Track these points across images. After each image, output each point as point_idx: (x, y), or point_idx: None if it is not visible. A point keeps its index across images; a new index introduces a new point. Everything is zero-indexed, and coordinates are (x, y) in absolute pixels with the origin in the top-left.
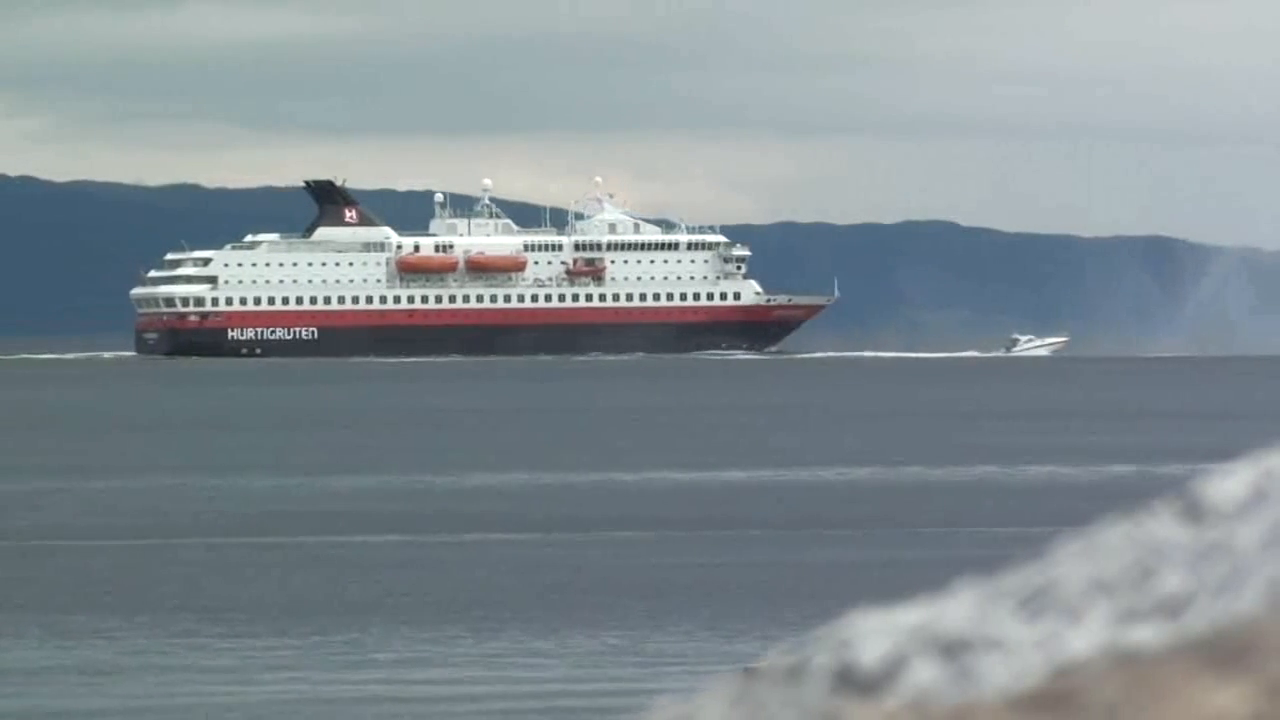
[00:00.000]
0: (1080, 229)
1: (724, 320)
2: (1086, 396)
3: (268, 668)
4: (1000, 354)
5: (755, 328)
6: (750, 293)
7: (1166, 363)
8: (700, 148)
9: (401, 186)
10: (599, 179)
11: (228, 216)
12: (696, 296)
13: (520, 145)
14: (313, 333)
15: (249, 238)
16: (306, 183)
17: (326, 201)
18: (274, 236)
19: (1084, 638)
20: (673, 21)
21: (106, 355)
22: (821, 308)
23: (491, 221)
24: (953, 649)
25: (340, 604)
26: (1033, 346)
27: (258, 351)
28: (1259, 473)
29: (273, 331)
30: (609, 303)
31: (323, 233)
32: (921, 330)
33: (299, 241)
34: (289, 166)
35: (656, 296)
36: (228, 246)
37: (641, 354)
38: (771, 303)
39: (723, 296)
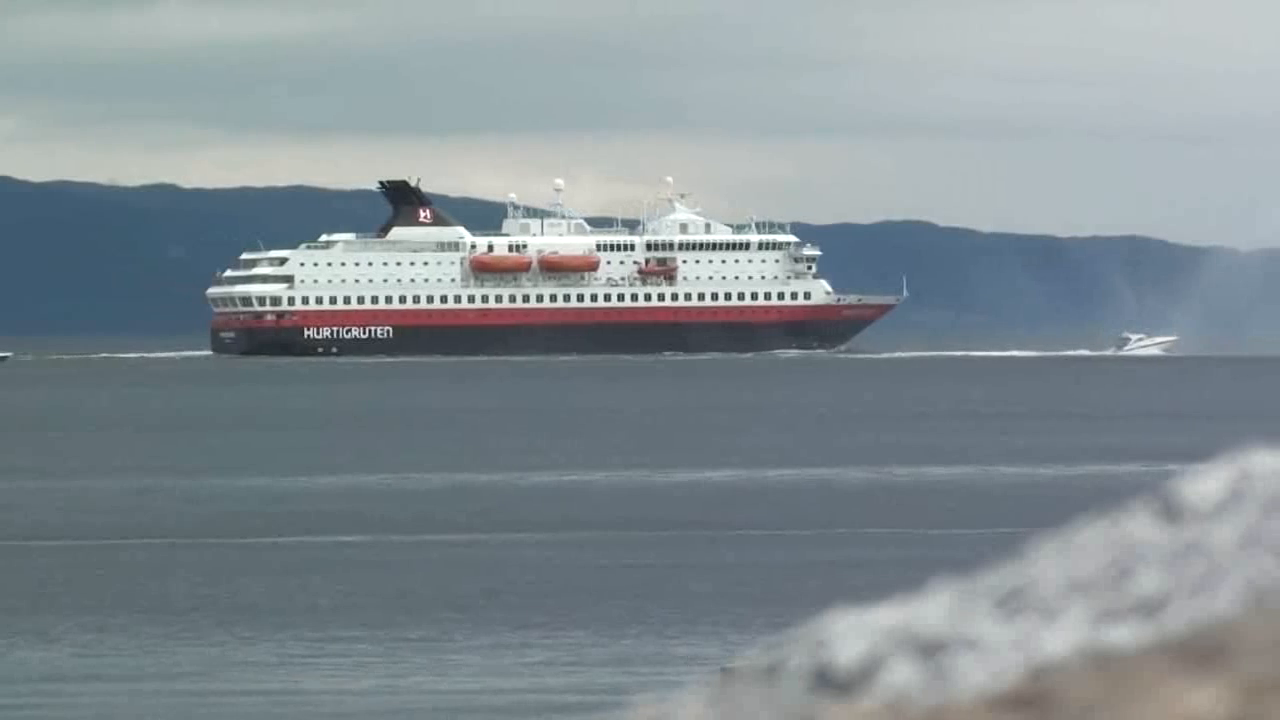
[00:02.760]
0: (1058, 229)
1: (794, 319)
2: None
3: (227, 670)
4: (1111, 352)
5: (825, 326)
6: (820, 292)
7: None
8: (677, 149)
9: (377, 187)
10: (670, 179)
11: (211, 217)
12: (767, 296)
13: (498, 145)
14: (388, 332)
15: (324, 237)
16: (381, 183)
17: (401, 202)
18: (349, 236)
19: (1061, 638)
20: (651, 23)
21: (131, 356)
22: (891, 307)
23: (564, 221)
24: (929, 649)
25: (303, 605)
26: (1143, 345)
27: (333, 351)
28: (1235, 473)
29: (348, 330)
30: (681, 302)
31: (397, 232)
32: (914, 330)
33: (374, 241)
34: (266, 167)
35: (728, 296)
36: (303, 246)
37: (714, 353)
38: (841, 302)
39: (793, 296)
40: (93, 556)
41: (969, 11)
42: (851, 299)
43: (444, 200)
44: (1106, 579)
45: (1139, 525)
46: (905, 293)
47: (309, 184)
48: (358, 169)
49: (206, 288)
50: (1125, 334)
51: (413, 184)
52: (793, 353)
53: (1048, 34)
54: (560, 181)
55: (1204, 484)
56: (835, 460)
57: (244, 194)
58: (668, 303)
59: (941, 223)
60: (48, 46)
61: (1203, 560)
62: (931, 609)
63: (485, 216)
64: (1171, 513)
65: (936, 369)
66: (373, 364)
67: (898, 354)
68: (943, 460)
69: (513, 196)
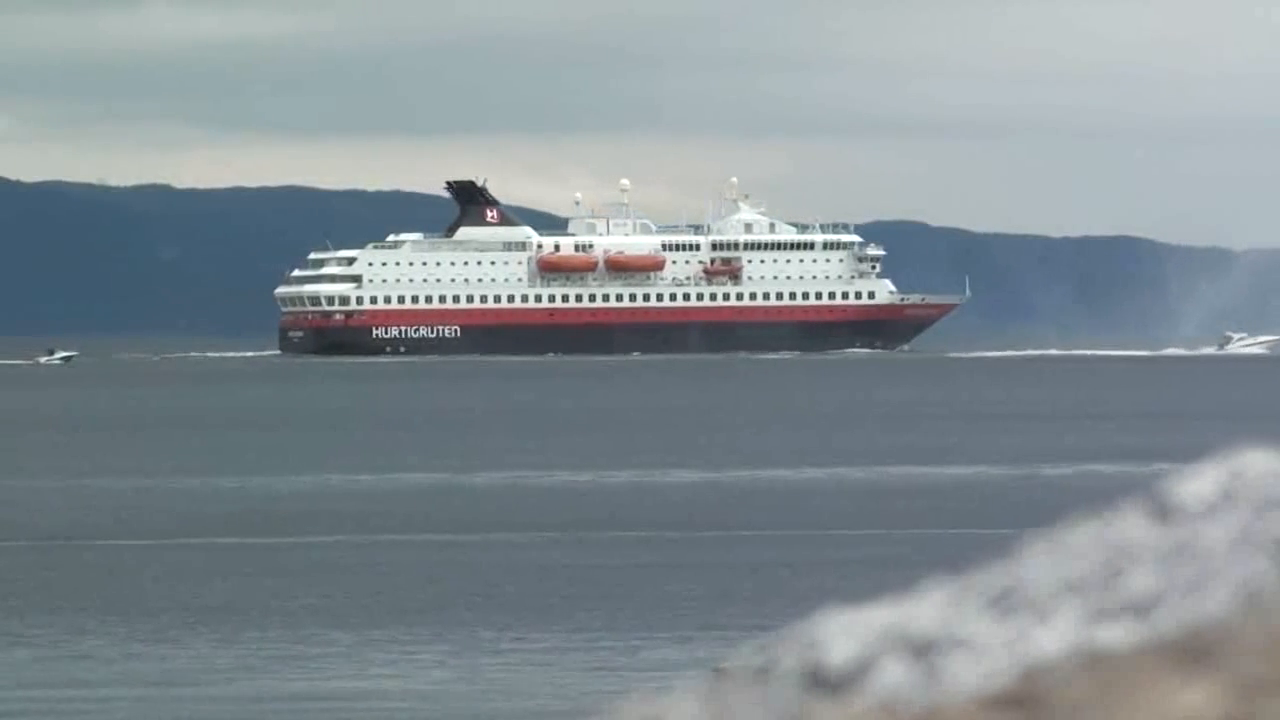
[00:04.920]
0: (1051, 229)
1: (858, 319)
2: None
3: (198, 672)
4: (1213, 351)
5: (889, 326)
6: (884, 292)
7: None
8: (668, 149)
9: (370, 187)
10: (734, 179)
11: (204, 217)
12: (832, 295)
13: (484, 144)
14: (455, 331)
15: (391, 237)
16: (448, 183)
17: (468, 202)
18: (417, 236)
19: (1053, 637)
20: (638, 23)
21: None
22: (954, 306)
23: (630, 221)
24: (921, 649)
25: (279, 607)
26: (1245, 344)
27: (402, 350)
28: (1227, 473)
29: (416, 330)
30: (746, 302)
31: (464, 232)
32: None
33: (441, 241)
34: (258, 167)
35: (793, 295)
36: (370, 245)
37: (778, 353)
38: (905, 301)
39: (857, 295)
40: (69, 557)
41: (966, 10)
42: (915, 298)
43: (436, 200)
44: (1098, 579)
45: (1131, 525)
46: (968, 293)
47: (302, 184)
48: (351, 169)
49: (198, 287)
50: (1227, 333)
51: (479, 184)
52: (857, 352)
53: (1040, 35)
54: (626, 182)
55: (1196, 484)
56: (831, 461)
57: (236, 194)
58: (733, 302)
59: (933, 223)
60: (39, 47)
61: (1195, 560)
62: (923, 609)
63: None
64: (1163, 513)
65: (998, 369)
66: (442, 363)
67: (963, 354)
68: (938, 461)
69: (578, 196)
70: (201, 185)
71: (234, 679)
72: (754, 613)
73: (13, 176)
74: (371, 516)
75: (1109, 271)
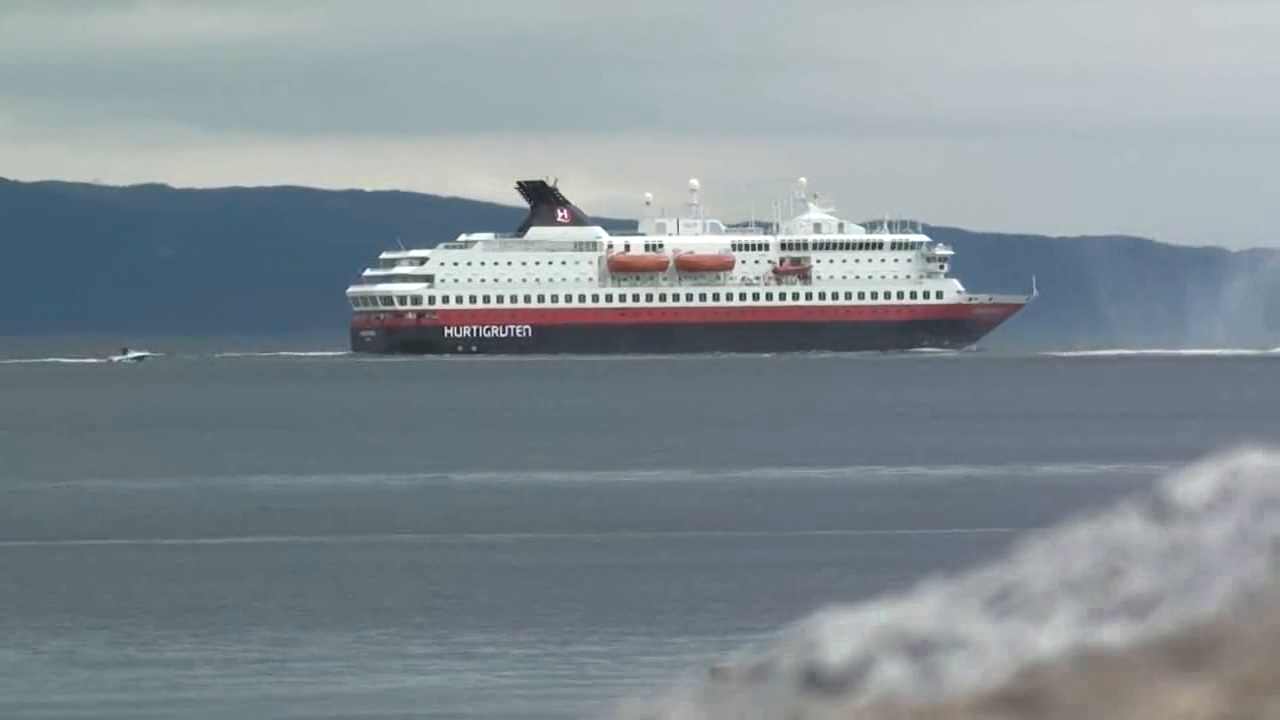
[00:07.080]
0: (1049, 229)
1: (926, 319)
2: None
3: (174, 673)
4: None
5: (956, 326)
6: (952, 291)
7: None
8: (664, 149)
9: (368, 187)
10: (803, 179)
11: (201, 216)
12: (900, 295)
13: (481, 145)
14: (527, 331)
15: (463, 237)
16: (519, 183)
17: (539, 202)
18: (489, 236)
19: (1051, 637)
20: (634, 25)
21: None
22: (1020, 306)
23: (700, 221)
24: (920, 649)
25: (257, 608)
26: None
27: (473, 349)
28: (1224, 473)
29: (488, 329)
30: (815, 301)
31: (535, 232)
32: None
33: (513, 241)
34: (254, 166)
35: (861, 295)
36: (441, 246)
37: (847, 352)
38: (973, 301)
39: (925, 295)
40: (50, 558)
41: (964, 11)
42: (983, 298)
43: (434, 200)
44: (1096, 579)
45: (1129, 525)
46: (1035, 291)
47: (298, 184)
48: (348, 170)
49: (197, 287)
50: None
51: (550, 184)
52: (924, 352)
53: (1037, 36)
54: (695, 181)
55: (1194, 484)
56: (833, 461)
57: (232, 194)
58: (802, 302)
59: (931, 223)
60: (34, 47)
61: (1192, 560)
62: (922, 609)
63: (484, 216)
64: (1161, 513)
65: (1054, 369)
66: (512, 362)
67: (1034, 353)
68: (937, 461)
69: (649, 196)
70: (198, 185)
71: (217, 679)
72: (752, 614)
73: (9, 176)
74: (358, 516)
75: (1108, 271)
